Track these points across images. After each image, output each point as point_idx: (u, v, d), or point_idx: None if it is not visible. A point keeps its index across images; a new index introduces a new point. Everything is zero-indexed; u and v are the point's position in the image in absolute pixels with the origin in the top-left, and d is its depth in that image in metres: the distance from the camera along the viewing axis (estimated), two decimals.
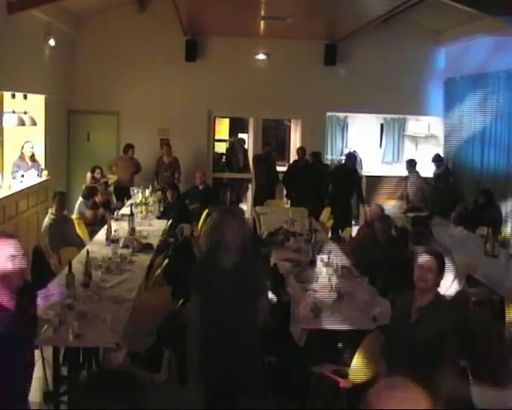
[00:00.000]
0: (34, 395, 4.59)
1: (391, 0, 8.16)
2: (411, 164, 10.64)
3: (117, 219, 7.61)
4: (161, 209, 8.48)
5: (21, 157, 8.63)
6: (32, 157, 8.72)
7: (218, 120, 13.13)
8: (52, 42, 9.33)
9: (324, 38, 11.14)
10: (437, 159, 10.37)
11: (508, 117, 8.91)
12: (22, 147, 8.68)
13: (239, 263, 3.64)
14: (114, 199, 9.99)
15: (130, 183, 9.91)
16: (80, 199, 7.90)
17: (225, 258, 3.64)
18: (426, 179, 10.38)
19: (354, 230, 8.31)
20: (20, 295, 2.70)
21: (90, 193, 7.94)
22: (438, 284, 3.48)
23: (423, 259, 3.46)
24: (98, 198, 8.42)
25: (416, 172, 10.53)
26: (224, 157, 13.02)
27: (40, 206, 8.40)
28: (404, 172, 10.76)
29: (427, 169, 10.83)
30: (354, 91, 11.28)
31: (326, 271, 5.34)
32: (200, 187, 9.99)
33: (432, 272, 3.40)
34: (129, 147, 10.24)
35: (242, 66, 11.30)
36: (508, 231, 7.01)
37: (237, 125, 14.95)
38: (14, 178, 8.20)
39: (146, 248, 6.32)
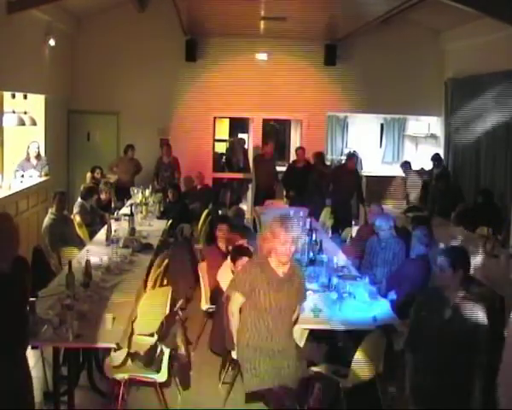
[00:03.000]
0: (34, 395, 4.60)
1: (391, 0, 8.16)
2: (406, 165, 10.68)
3: (117, 219, 7.61)
4: (161, 209, 8.48)
5: (26, 158, 8.65)
6: (38, 156, 8.76)
7: (218, 120, 13.12)
8: (52, 42, 9.33)
9: (324, 38, 11.13)
10: (436, 158, 10.38)
11: (507, 117, 8.90)
12: (28, 147, 8.70)
13: (287, 272, 3.68)
14: (115, 199, 10.01)
15: (130, 183, 9.89)
16: (79, 199, 7.89)
17: (278, 265, 3.66)
18: (423, 176, 10.41)
19: (354, 230, 8.31)
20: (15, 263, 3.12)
21: (88, 193, 7.93)
22: (461, 279, 3.50)
23: (438, 259, 3.57)
24: (103, 196, 8.44)
25: (414, 171, 10.56)
26: (224, 157, 13.01)
27: (40, 206, 8.40)
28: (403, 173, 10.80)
29: (426, 169, 10.85)
30: (354, 91, 11.27)
31: (326, 271, 5.33)
32: (198, 187, 10.02)
33: (445, 270, 3.47)
34: (129, 147, 10.25)
35: (242, 66, 11.30)
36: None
37: (237, 125, 14.94)
38: (15, 177, 8.24)
39: (146, 248, 6.31)
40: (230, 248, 5.52)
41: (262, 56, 11.35)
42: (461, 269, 3.49)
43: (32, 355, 5.07)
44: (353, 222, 9.61)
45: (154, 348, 4.32)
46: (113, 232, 6.65)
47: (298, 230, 3.73)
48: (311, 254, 5.82)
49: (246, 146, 13.00)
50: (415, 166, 10.89)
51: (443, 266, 3.49)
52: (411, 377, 3.59)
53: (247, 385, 3.77)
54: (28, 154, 8.69)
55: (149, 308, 4.64)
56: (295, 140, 12.70)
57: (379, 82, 11.20)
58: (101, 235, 6.76)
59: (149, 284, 5.45)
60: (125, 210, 8.15)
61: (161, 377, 4.22)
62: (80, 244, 6.69)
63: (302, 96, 11.28)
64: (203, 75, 11.14)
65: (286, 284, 3.66)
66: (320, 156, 10.54)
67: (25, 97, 8.72)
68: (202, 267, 5.72)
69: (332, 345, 4.56)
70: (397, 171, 11.80)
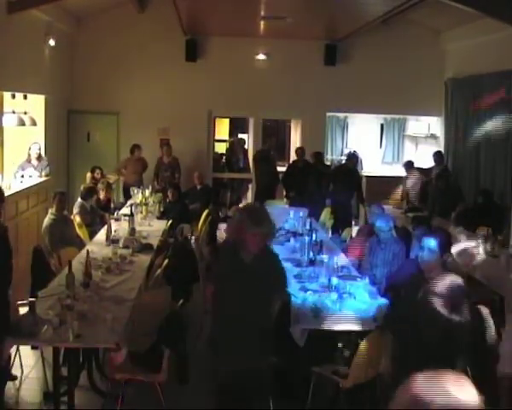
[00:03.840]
0: (34, 395, 4.62)
1: (391, 0, 8.16)
2: (409, 165, 10.69)
3: (117, 219, 7.61)
4: (161, 209, 8.49)
5: (28, 159, 8.65)
6: (39, 157, 8.76)
7: (218, 120, 13.13)
8: (52, 42, 9.33)
9: (324, 38, 11.14)
10: (437, 156, 10.38)
11: (507, 117, 8.90)
12: (30, 148, 8.70)
13: (259, 261, 3.60)
14: (122, 198, 10.03)
15: (139, 183, 9.89)
16: (79, 200, 7.89)
17: (246, 255, 3.63)
18: (424, 175, 10.41)
19: (354, 230, 8.32)
20: None
21: (88, 193, 7.93)
22: (444, 263, 3.49)
23: (424, 240, 3.54)
24: (102, 196, 8.44)
25: (416, 171, 10.56)
26: (224, 157, 13.03)
27: (40, 206, 8.39)
28: (404, 173, 10.81)
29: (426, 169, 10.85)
30: (354, 91, 11.28)
31: (326, 271, 5.33)
32: (198, 187, 10.02)
33: (433, 252, 3.46)
34: (135, 147, 10.26)
35: (242, 66, 11.31)
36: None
37: (237, 125, 14.97)
38: (15, 177, 8.23)
39: (146, 248, 6.31)
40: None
41: (262, 56, 11.35)
42: (446, 253, 3.51)
43: (31, 355, 5.09)
44: (353, 222, 9.62)
45: (154, 348, 4.32)
46: (113, 232, 6.66)
47: (270, 222, 3.64)
48: (311, 254, 5.82)
49: (246, 146, 13.01)
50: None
51: (431, 249, 3.47)
52: (391, 358, 3.57)
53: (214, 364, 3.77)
54: (29, 155, 8.69)
55: (149, 308, 4.64)
56: (295, 140, 12.70)
57: (379, 82, 11.21)
58: (101, 235, 6.76)
59: (149, 283, 5.46)
60: (125, 210, 8.16)
61: (161, 377, 4.23)
62: (80, 244, 6.69)
63: (302, 96, 11.28)
64: (203, 75, 11.14)
65: (254, 272, 3.59)
66: (319, 156, 10.53)
67: (25, 97, 8.71)
68: (202, 267, 5.72)
69: (332, 345, 4.56)
70: (397, 171, 11.81)
